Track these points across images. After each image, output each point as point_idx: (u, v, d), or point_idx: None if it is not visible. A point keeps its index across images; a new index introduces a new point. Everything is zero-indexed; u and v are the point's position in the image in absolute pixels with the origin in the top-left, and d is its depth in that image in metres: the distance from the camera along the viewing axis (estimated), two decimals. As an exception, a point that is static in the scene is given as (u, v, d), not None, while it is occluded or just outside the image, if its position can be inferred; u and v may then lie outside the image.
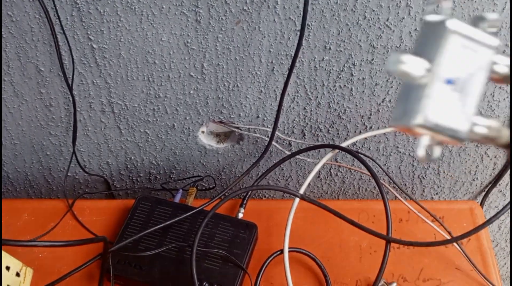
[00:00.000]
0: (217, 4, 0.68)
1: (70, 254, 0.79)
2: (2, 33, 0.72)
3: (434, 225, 0.79)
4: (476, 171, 0.92)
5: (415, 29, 0.70)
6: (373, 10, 0.69)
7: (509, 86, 0.33)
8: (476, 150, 0.88)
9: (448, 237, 0.79)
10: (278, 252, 0.77)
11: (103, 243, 0.70)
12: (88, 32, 0.72)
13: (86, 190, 0.97)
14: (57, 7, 0.68)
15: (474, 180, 0.94)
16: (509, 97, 0.79)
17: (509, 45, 0.72)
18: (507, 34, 0.71)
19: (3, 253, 0.71)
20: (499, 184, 0.94)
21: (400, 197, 0.79)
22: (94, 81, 0.78)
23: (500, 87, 0.78)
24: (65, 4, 0.68)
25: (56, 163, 0.91)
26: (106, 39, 0.73)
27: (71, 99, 0.79)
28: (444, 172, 0.92)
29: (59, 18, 0.70)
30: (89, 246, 0.77)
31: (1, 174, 0.93)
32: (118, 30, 0.71)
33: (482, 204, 0.97)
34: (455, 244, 0.78)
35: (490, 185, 0.95)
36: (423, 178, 0.94)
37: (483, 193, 0.96)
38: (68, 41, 0.72)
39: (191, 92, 0.79)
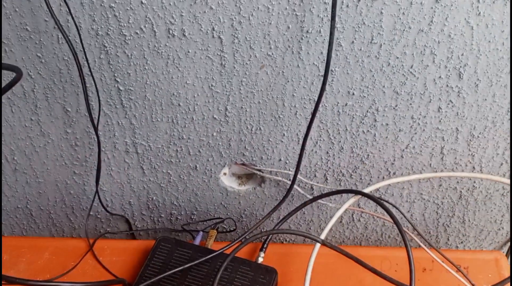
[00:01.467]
0: (242, 49, 0.69)
1: (89, 294, 0.79)
2: (31, 73, 0.73)
3: (458, 275, 0.77)
4: (502, 220, 0.90)
5: (440, 77, 0.70)
6: (397, 57, 0.69)
7: None
8: (502, 199, 0.86)
9: (473, 288, 0.77)
10: (298, 299, 0.76)
11: (122, 285, 0.70)
12: (115, 75, 0.73)
13: (108, 229, 0.98)
14: (85, 50, 0.70)
15: (500, 229, 0.92)
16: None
17: (510, 47, 0.72)
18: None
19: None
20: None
21: (423, 246, 0.78)
22: (119, 122, 0.79)
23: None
24: (94, 47, 0.70)
25: (79, 202, 0.92)
26: (132, 81, 0.74)
27: (96, 139, 0.80)
28: (469, 220, 0.91)
29: (87, 60, 0.71)
30: (109, 287, 0.77)
31: (1, 208, 0.93)
32: (145, 73, 0.73)
33: (508, 254, 0.94)
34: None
35: (516, 235, 0.93)
36: (448, 226, 0.92)
37: (509, 243, 0.94)
38: (95, 83, 0.74)
39: (214, 134, 0.80)
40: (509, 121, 0.75)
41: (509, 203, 0.87)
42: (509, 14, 0.64)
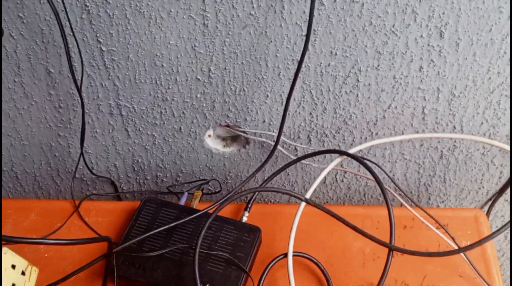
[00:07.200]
0: (224, 9, 0.69)
1: (75, 254, 0.80)
2: (13, 34, 0.73)
3: (439, 232, 0.79)
4: (482, 179, 0.92)
5: (421, 36, 0.71)
6: (379, 16, 0.69)
7: None
8: (482, 158, 0.88)
9: (452, 244, 0.79)
10: (282, 256, 0.77)
11: (108, 243, 0.71)
12: (97, 35, 0.73)
13: (94, 191, 0.98)
14: (67, 10, 0.70)
15: (480, 188, 0.94)
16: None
17: (510, 49, 0.72)
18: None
19: (9, 251, 0.71)
20: (505, 193, 0.94)
21: (405, 204, 0.79)
22: (103, 84, 0.79)
23: (506, 95, 0.78)
24: (75, 7, 0.69)
25: (64, 164, 0.92)
26: (115, 42, 0.74)
27: (79, 101, 0.80)
28: (450, 180, 0.92)
29: (69, 21, 0.71)
30: (95, 247, 0.78)
31: (1, 170, 0.94)
32: (127, 33, 0.72)
33: (488, 213, 0.96)
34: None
35: (496, 194, 0.94)
36: (429, 185, 0.93)
37: (490, 202, 0.96)
38: (77, 43, 0.74)
39: (198, 95, 0.80)
40: (489, 80, 0.76)
41: (489, 162, 0.88)
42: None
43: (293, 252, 0.75)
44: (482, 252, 0.80)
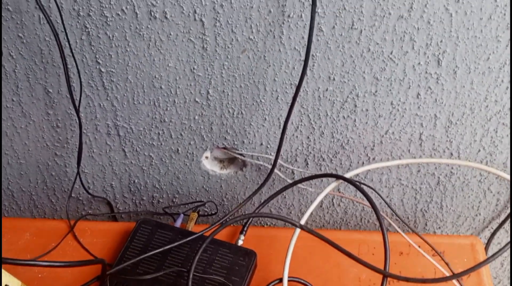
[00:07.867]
0: (223, 33, 0.70)
1: (69, 275, 0.79)
2: (13, 54, 0.73)
3: (434, 260, 0.78)
4: (479, 206, 0.92)
5: (419, 63, 0.71)
6: (377, 43, 0.70)
7: None
8: (479, 186, 0.88)
9: (447, 272, 0.78)
10: (277, 281, 0.77)
11: (102, 265, 0.71)
12: (97, 56, 0.73)
13: (89, 211, 0.98)
14: (67, 31, 0.70)
15: (477, 215, 0.93)
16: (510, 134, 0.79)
17: (509, 50, 0.73)
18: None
19: (2, 271, 0.71)
20: (503, 221, 0.93)
21: (400, 231, 0.79)
22: (101, 104, 0.79)
23: (503, 123, 0.78)
24: (75, 28, 0.70)
25: (60, 183, 0.92)
26: (114, 63, 0.74)
27: (77, 121, 0.80)
28: (447, 206, 0.92)
29: (68, 41, 0.71)
30: (89, 268, 0.77)
31: (1, 192, 0.93)
32: (126, 55, 0.73)
33: (488, 243, 0.95)
34: (454, 280, 0.77)
35: (496, 222, 0.94)
36: (426, 211, 0.93)
37: (487, 229, 0.96)
38: (76, 64, 0.74)
39: (196, 117, 0.80)
40: (486, 108, 0.77)
41: (486, 189, 0.88)
42: (488, 1, 0.65)
43: (288, 277, 0.74)
44: (478, 280, 0.80)
